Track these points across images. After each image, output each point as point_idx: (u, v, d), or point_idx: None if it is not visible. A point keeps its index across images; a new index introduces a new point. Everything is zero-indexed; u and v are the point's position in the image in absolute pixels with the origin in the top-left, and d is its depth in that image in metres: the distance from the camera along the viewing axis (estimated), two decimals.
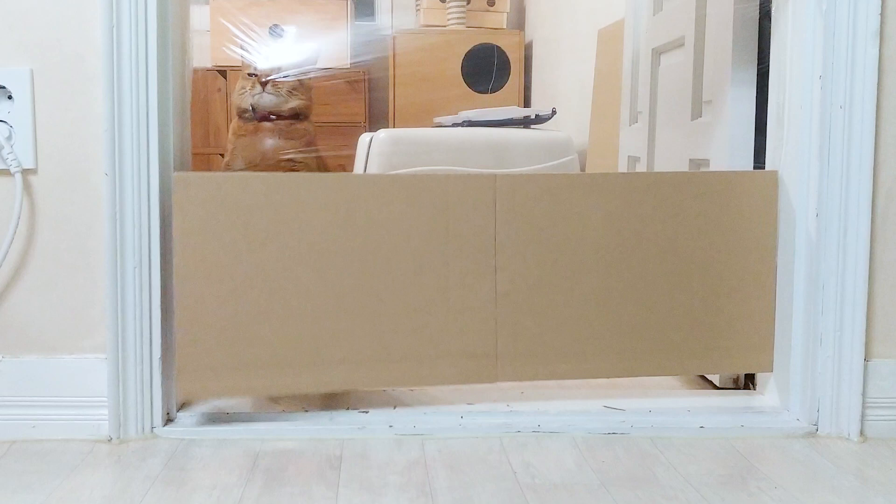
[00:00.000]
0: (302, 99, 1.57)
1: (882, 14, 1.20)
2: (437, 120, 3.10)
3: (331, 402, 1.31)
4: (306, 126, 1.61)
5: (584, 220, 1.27)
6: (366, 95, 3.99)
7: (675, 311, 1.30)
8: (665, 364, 1.31)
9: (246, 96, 1.57)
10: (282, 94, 1.55)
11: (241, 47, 1.64)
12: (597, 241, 1.28)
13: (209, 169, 3.89)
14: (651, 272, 1.29)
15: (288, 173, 1.24)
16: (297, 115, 1.59)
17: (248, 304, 1.19)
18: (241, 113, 1.58)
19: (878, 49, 1.20)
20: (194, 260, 1.17)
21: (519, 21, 4.39)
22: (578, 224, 1.27)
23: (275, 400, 1.32)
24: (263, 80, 1.55)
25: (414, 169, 2.52)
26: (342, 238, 1.21)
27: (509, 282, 1.26)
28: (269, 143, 1.55)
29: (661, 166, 1.91)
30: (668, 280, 1.29)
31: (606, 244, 1.28)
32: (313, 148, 1.58)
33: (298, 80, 1.57)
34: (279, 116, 1.56)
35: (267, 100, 1.57)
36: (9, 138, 1.18)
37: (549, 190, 1.26)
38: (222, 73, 3.89)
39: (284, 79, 1.56)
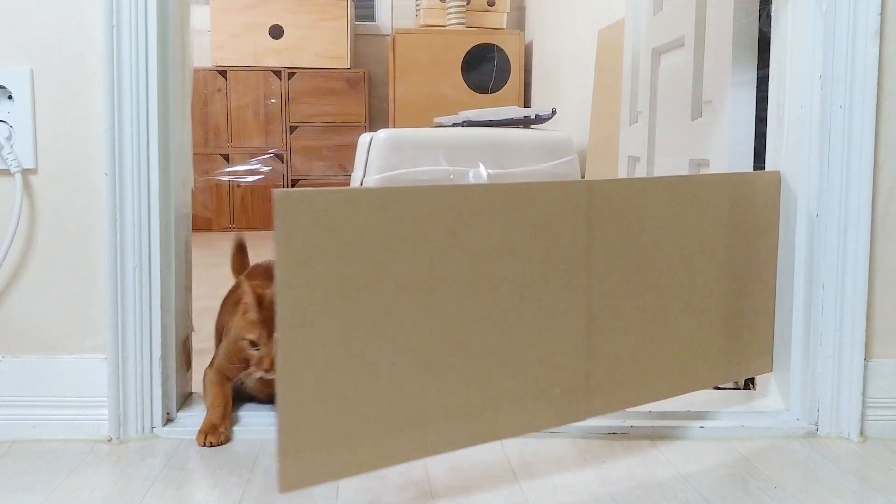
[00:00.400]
0: None
1: (882, 14, 1.20)
2: (437, 120, 3.10)
3: None
4: None
5: (655, 228, 1.13)
6: (366, 95, 3.99)
7: (714, 319, 1.22)
8: (705, 376, 1.22)
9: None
10: None
11: None
12: (664, 250, 1.14)
13: (209, 169, 3.90)
14: (696, 280, 1.19)
15: (396, 187, 0.95)
16: None
17: (355, 353, 0.92)
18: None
19: (878, 49, 1.20)
20: (300, 304, 0.87)
21: (519, 21, 4.39)
22: (650, 233, 1.13)
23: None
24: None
25: (414, 169, 2.52)
26: (447, 263, 0.97)
27: (598, 303, 1.08)
28: None
29: (661, 166, 1.91)
30: (707, 287, 1.20)
31: (668, 253, 1.15)
32: None
33: None
34: None
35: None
36: (9, 138, 1.18)
37: (634, 196, 1.10)
38: (222, 73, 3.89)
39: None
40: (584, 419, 1.10)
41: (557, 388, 1.06)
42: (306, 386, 0.88)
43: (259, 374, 1.21)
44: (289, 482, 0.88)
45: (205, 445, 1.17)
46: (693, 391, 1.23)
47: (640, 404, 1.17)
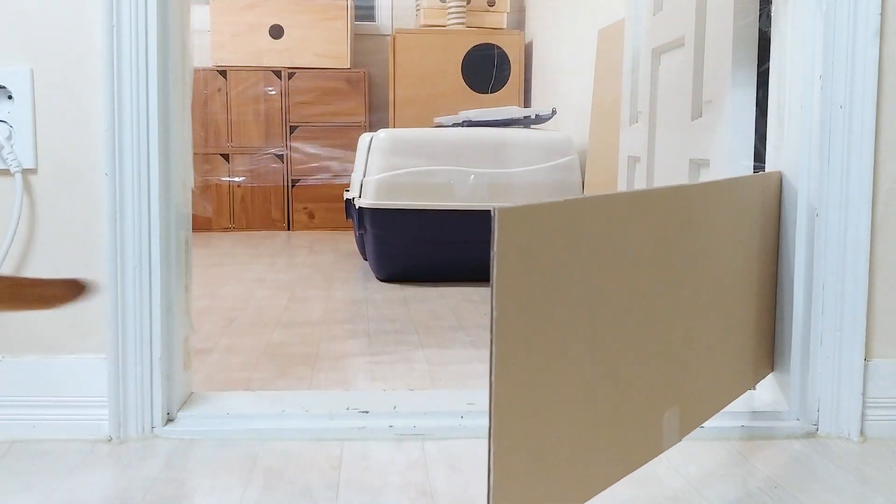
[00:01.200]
0: None
1: (882, 14, 1.20)
2: (437, 120, 3.10)
3: (331, 400, 1.31)
4: None
5: (718, 235, 1.05)
6: (366, 95, 3.99)
7: (750, 323, 1.18)
8: (745, 380, 1.18)
9: None
10: None
11: None
12: (723, 257, 1.07)
13: (210, 169, 3.89)
14: (740, 285, 1.14)
15: (606, 194, 0.83)
16: None
17: (572, 389, 0.79)
18: None
19: (878, 49, 1.20)
20: (519, 336, 0.73)
21: (519, 21, 4.39)
22: (716, 240, 1.05)
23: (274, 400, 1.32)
24: None
25: (414, 169, 2.52)
26: (638, 275, 0.87)
27: (694, 316, 1.00)
28: None
29: (660, 166, 1.91)
30: (746, 292, 1.17)
31: (726, 260, 1.08)
32: None
33: None
34: None
35: None
36: (9, 138, 1.18)
37: (710, 202, 1.02)
38: (222, 73, 3.89)
39: None
40: (678, 442, 1.00)
41: (668, 410, 0.96)
42: (526, 440, 0.75)
43: None
44: None
45: None
46: (733, 399, 1.17)
47: (709, 418, 1.09)
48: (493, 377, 0.71)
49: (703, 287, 1.02)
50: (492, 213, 0.71)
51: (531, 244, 0.74)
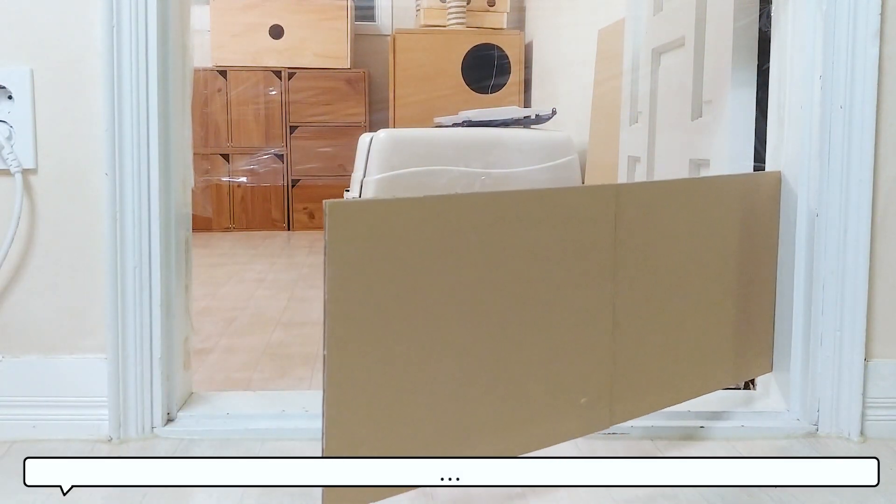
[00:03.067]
0: None
1: (882, 14, 1.20)
2: (437, 120, 3.10)
3: None
4: None
5: (674, 231, 1.12)
6: (366, 95, 3.99)
7: (726, 321, 1.22)
8: (720, 378, 1.22)
9: None
10: None
11: None
12: (685, 253, 1.13)
13: (210, 169, 3.89)
14: (711, 283, 1.18)
15: (440, 195, 0.91)
16: None
17: (401, 369, 0.89)
18: None
19: (878, 49, 1.20)
20: (348, 318, 0.85)
21: (519, 21, 4.39)
22: (671, 237, 1.11)
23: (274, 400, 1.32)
24: None
25: (414, 169, 2.52)
26: (489, 271, 0.94)
27: (623, 310, 1.07)
28: None
29: (661, 166, 1.91)
30: (721, 290, 1.20)
31: (687, 257, 1.14)
32: None
33: None
34: None
35: None
36: (9, 138, 1.18)
37: (656, 200, 1.09)
38: (222, 73, 3.89)
39: None
40: (607, 428, 1.09)
41: (584, 397, 1.04)
42: (353, 407, 0.86)
43: None
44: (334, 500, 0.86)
45: None
46: (708, 393, 1.22)
47: (660, 409, 1.15)
48: (326, 360, 0.83)
49: (640, 284, 1.08)
50: (323, 207, 0.82)
51: (362, 237, 0.84)
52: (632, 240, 1.06)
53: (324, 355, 0.84)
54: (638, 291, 1.08)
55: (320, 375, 1.54)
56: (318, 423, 1.23)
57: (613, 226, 1.04)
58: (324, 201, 0.84)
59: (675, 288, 1.13)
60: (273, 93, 3.93)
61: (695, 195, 1.14)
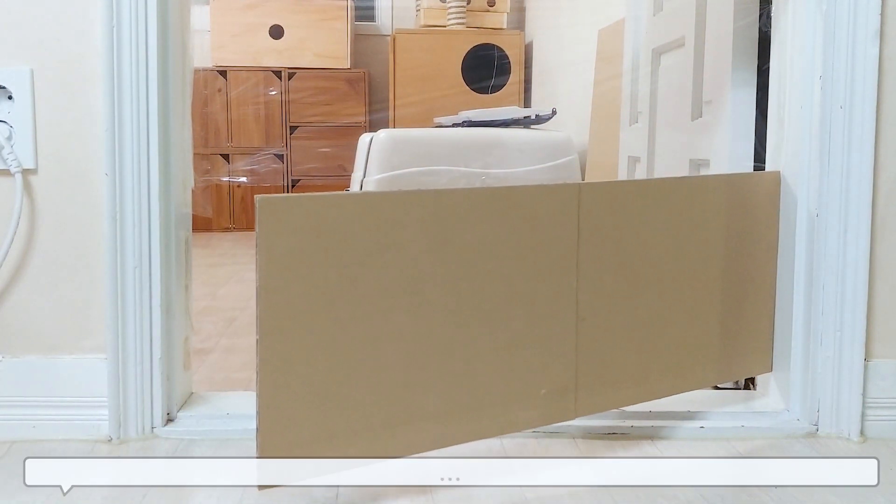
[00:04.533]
0: None
1: (882, 14, 1.20)
2: (437, 120, 3.10)
3: None
4: None
5: (647, 230, 1.15)
6: (366, 95, 3.99)
7: (710, 320, 1.23)
8: (701, 376, 1.23)
9: None
10: None
11: None
12: (656, 252, 1.16)
13: (210, 169, 3.89)
14: (692, 281, 1.20)
15: (381, 192, 0.98)
16: None
17: (337, 356, 0.95)
18: None
19: (878, 49, 1.20)
20: (280, 306, 0.91)
21: (519, 21, 4.39)
22: (643, 235, 1.15)
23: None
24: None
25: (414, 169, 2.52)
26: (433, 266, 0.99)
27: (588, 305, 1.11)
28: None
29: (661, 167, 1.91)
30: (706, 288, 1.22)
31: (661, 255, 1.17)
32: None
33: None
34: None
35: None
36: (9, 138, 1.18)
37: (625, 199, 1.13)
38: (222, 73, 3.89)
39: None
40: (572, 419, 1.13)
41: (544, 388, 1.08)
42: (285, 389, 0.92)
43: None
44: (266, 480, 0.95)
45: None
46: (689, 391, 1.24)
47: (633, 404, 1.18)
48: (258, 346, 0.89)
49: (609, 280, 1.12)
50: (255, 202, 0.88)
51: (292, 231, 0.90)
52: (597, 237, 1.10)
53: (256, 340, 0.90)
54: (605, 287, 1.11)
55: None
56: None
57: (576, 224, 1.08)
58: (255, 196, 0.90)
59: (650, 285, 1.15)
60: (273, 93, 3.93)
61: (671, 195, 1.16)
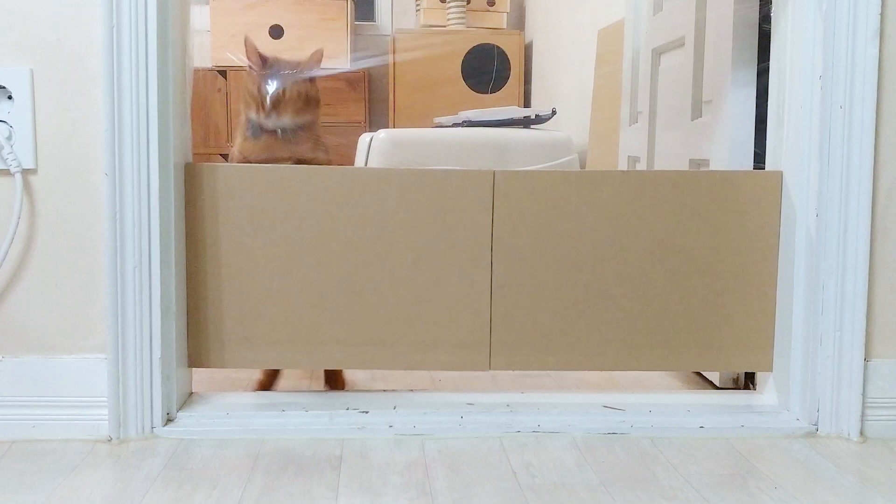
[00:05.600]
0: (310, 115, 1.42)
1: (882, 14, 1.20)
2: (437, 120, 3.10)
3: (331, 400, 1.31)
4: (315, 131, 1.49)
5: (580, 216, 1.30)
6: (366, 95, 3.99)
7: (674, 308, 1.31)
8: (661, 359, 1.32)
9: (252, 115, 1.40)
10: (288, 115, 1.39)
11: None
12: (593, 237, 1.30)
13: None
14: (649, 269, 1.31)
15: (289, 166, 1.30)
16: (305, 127, 1.43)
17: (253, 284, 1.28)
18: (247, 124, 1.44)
19: (878, 49, 1.20)
20: (203, 244, 1.27)
21: (519, 21, 4.39)
22: (575, 221, 1.30)
23: (276, 403, 1.32)
24: (269, 103, 1.38)
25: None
26: (342, 229, 1.28)
27: (505, 275, 1.30)
28: (278, 150, 1.47)
29: (661, 166, 1.91)
30: (668, 277, 1.31)
31: (602, 240, 1.30)
32: (322, 149, 1.49)
33: (305, 94, 1.39)
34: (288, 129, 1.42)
35: (274, 122, 1.39)
36: (9, 138, 1.18)
37: (546, 186, 1.29)
38: (222, 73, 3.89)
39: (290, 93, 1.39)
40: (485, 370, 1.32)
41: (456, 340, 1.30)
42: (211, 301, 1.28)
43: (256, 116, 1.38)
44: (193, 361, 1.29)
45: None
46: (638, 370, 1.39)
47: (561, 370, 1.33)
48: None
49: (531, 257, 1.31)
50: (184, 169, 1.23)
51: (213, 190, 1.27)
52: (514, 219, 1.29)
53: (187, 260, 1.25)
54: (528, 262, 1.30)
55: (320, 375, 1.54)
56: (317, 423, 1.23)
57: (490, 205, 1.29)
58: (185, 164, 1.16)
59: (585, 265, 1.30)
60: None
61: (601, 186, 1.30)
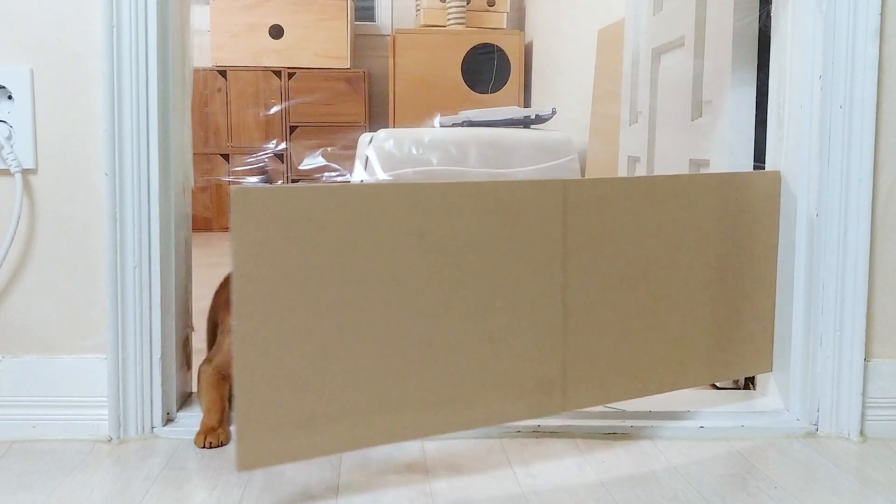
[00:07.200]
0: None
1: (882, 14, 1.20)
2: (437, 120, 3.10)
3: None
4: None
5: (638, 227, 1.15)
6: (366, 95, 3.99)
7: (704, 318, 1.23)
8: (695, 374, 1.23)
9: None
10: None
11: None
12: (647, 249, 1.16)
13: (210, 169, 3.89)
14: (689, 278, 1.20)
15: (358, 184, 1.02)
16: None
17: (313, 343, 0.96)
18: None
19: (878, 49, 1.20)
20: (254, 294, 0.92)
21: (519, 21, 4.39)
22: (633, 231, 1.15)
23: None
24: None
25: (414, 169, 2.52)
26: (413, 258, 1.00)
27: (576, 298, 1.11)
28: None
29: (661, 166, 1.91)
30: (699, 286, 1.21)
31: (654, 252, 1.17)
32: None
33: None
34: None
35: None
36: (9, 138, 1.18)
37: (614, 196, 1.13)
38: (222, 73, 3.89)
39: None
40: (559, 413, 1.13)
41: (531, 381, 1.09)
42: (260, 373, 0.93)
43: None
44: (245, 463, 0.95)
45: (205, 447, 1.16)
46: (683, 388, 1.23)
47: (625, 399, 1.18)
48: (233, 330, 0.91)
49: (598, 275, 1.13)
50: (230, 192, 0.90)
51: (266, 222, 0.92)
52: (585, 234, 1.10)
53: (232, 325, 0.92)
54: (594, 283, 1.12)
55: None
56: None
57: (563, 220, 1.09)
58: (231, 187, 0.91)
59: (640, 282, 1.15)
60: (274, 112, 3.93)
61: (661, 192, 1.16)
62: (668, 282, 1.18)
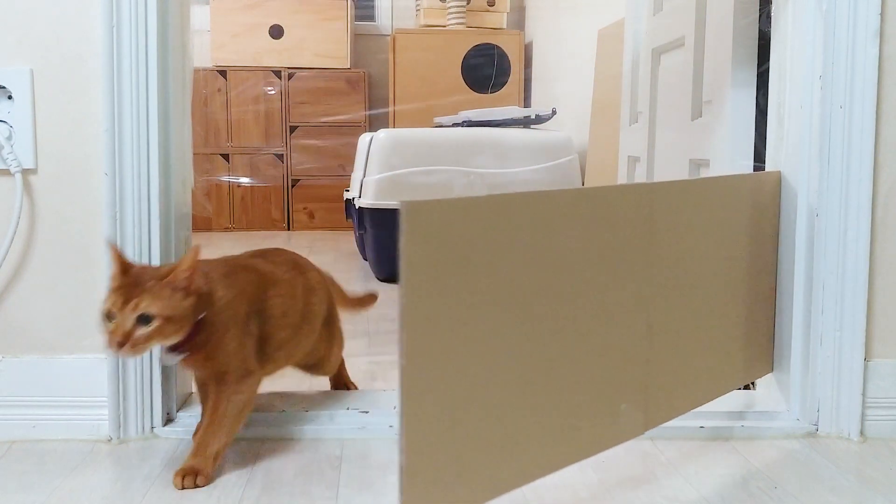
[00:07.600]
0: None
1: (882, 14, 1.20)
2: (437, 120, 3.10)
3: (331, 400, 1.31)
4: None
5: (692, 232, 1.07)
6: (366, 95, 3.99)
7: (738, 322, 1.19)
8: (732, 379, 1.18)
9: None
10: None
11: None
12: (705, 251, 1.09)
13: (210, 170, 3.89)
14: (721, 284, 1.14)
15: (499, 194, 0.83)
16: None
17: (472, 374, 0.81)
18: None
19: (878, 49, 1.20)
20: (427, 326, 0.76)
21: (519, 21, 4.39)
22: (690, 237, 1.07)
23: (273, 400, 1.32)
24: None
25: (414, 169, 2.52)
26: (538, 275, 0.87)
27: (657, 312, 1.02)
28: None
29: (660, 166, 1.91)
30: (733, 290, 1.17)
31: (699, 257, 1.09)
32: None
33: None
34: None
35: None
36: (9, 138, 1.18)
37: (688, 200, 1.04)
38: (222, 73, 3.89)
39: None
40: (642, 433, 1.02)
41: (624, 402, 0.98)
42: (430, 413, 0.78)
43: (111, 350, 0.98)
44: None
45: (184, 488, 1.03)
46: (726, 393, 1.20)
47: (682, 413, 1.10)
48: (402, 370, 0.74)
49: (669, 284, 1.04)
50: (400, 208, 0.73)
51: (440, 238, 0.76)
52: (665, 241, 1.01)
53: (401, 365, 0.75)
54: (670, 294, 1.03)
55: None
56: (317, 423, 1.23)
57: (648, 226, 0.99)
58: (400, 202, 0.73)
59: (695, 290, 1.09)
60: (273, 93, 3.93)
61: (706, 195, 1.10)
62: (713, 288, 1.12)
